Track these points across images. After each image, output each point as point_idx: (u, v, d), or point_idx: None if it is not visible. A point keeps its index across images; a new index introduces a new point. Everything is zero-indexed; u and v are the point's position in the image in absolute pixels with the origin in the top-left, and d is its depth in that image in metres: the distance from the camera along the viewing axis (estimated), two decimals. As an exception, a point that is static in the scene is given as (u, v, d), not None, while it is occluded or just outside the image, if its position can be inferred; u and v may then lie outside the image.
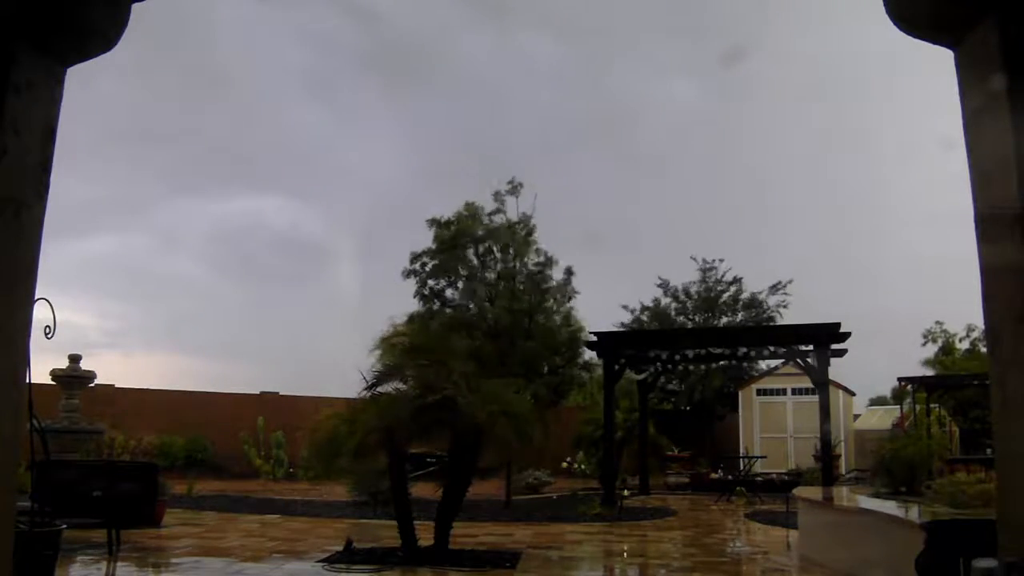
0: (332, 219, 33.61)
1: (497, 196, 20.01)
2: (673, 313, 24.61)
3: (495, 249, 20.09)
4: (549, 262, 20.36)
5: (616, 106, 29.32)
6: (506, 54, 29.60)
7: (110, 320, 32.94)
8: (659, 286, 24.84)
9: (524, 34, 28.89)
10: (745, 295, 24.42)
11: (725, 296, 24.44)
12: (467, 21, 28.46)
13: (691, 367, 22.36)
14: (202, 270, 32.77)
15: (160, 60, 24.64)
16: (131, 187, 29.99)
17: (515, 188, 19.98)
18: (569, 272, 20.70)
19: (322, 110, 31.97)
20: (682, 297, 24.71)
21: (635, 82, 29.91)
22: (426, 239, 20.32)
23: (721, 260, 24.51)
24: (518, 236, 19.82)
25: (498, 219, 20.15)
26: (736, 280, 24.42)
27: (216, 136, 29.36)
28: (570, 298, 20.64)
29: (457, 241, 19.98)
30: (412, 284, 20.52)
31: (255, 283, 33.41)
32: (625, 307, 24.80)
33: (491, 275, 20.13)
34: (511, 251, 19.83)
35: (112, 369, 32.02)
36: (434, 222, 20.31)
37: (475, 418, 7.69)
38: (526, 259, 20.10)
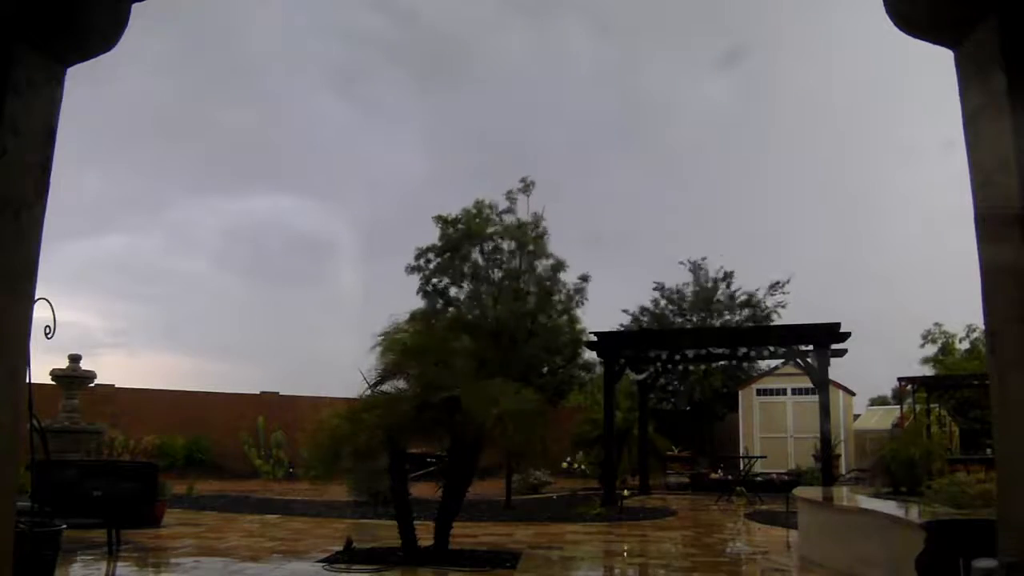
0: (343, 217, 33.36)
1: (510, 195, 19.95)
2: (671, 316, 24.65)
3: (504, 248, 20.03)
4: (561, 266, 20.33)
5: (626, 106, 29.36)
6: (535, 51, 29.40)
7: (117, 320, 32.98)
8: (655, 289, 24.95)
9: (555, 31, 28.71)
10: (742, 295, 24.46)
11: (718, 294, 24.48)
12: (498, 17, 28.25)
13: (691, 367, 22.37)
14: (208, 269, 32.70)
15: (186, 54, 24.71)
16: (145, 185, 30.03)
17: (527, 187, 19.91)
18: (584, 279, 20.65)
19: (346, 106, 31.79)
20: (676, 298, 24.76)
21: (642, 83, 29.87)
22: (433, 237, 20.31)
23: (704, 258, 24.63)
24: (528, 236, 19.78)
25: (508, 218, 20.11)
26: (727, 276, 24.47)
27: (234, 132, 29.32)
28: (580, 304, 20.61)
29: (463, 239, 19.94)
30: (416, 281, 20.52)
31: (259, 282, 33.38)
32: (625, 311, 24.90)
33: (496, 275, 20.09)
34: (522, 251, 19.76)
35: (117, 369, 32.14)
36: (441, 219, 20.26)
37: (478, 418, 7.69)
38: (537, 261, 20.05)
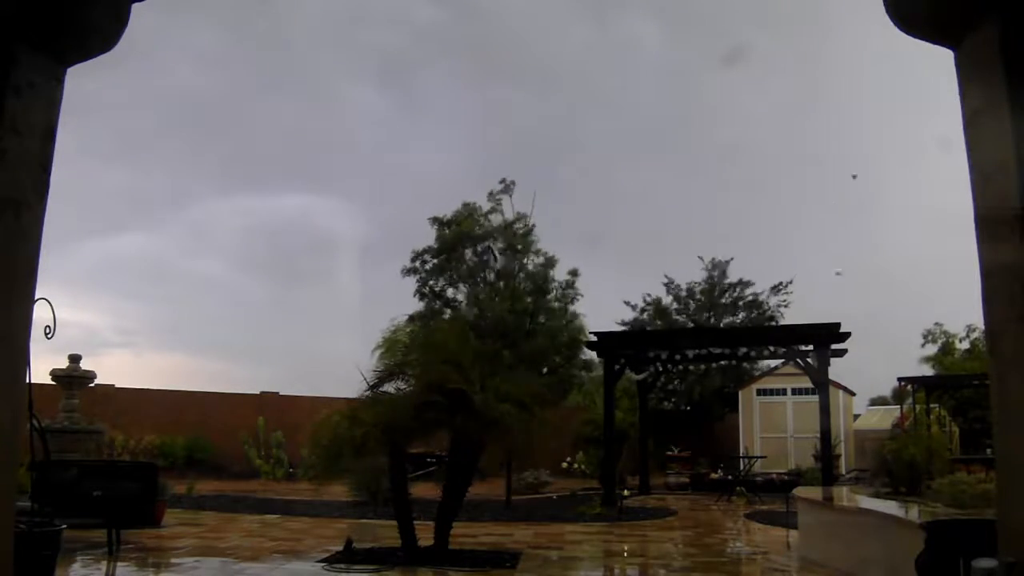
0: (361, 217, 32.89)
1: (491, 196, 19.98)
2: (674, 313, 24.64)
3: (494, 249, 20.06)
4: (551, 262, 20.35)
5: (654, 106, 29.23)
6: (585, 49, 28.90)
7: (125, 319, 32.88)
8: (665, 284, 24.88)
9: (614, 30, 28.41)
10: (749, 295, 24.47)
11: (728, 296, 24.47)
12: (540, 12, 27.89)
13: (691, 367, 22.37)
14: (215, 269, 32.37)
15: (228, 47, 24.68)
16: (167, 183, 29.93)
17: (508, 187, 19.96)
18: (574, 274, 20.66)
19: (383, 101, 31.31)
20: (684, 297, 24.73)
21: (667, 84, 29.65)
22: (431, 238, 20.30)
23: (730, 260, 24.60)
24: (517, 236, 19.80)
25: (495, 219, 20.13)
26: (742, 282, 24.47)
27: (266, 129, 29.13)
28: (574, 299, 20.63)
29: (457, 240, 19.94)
30: (412, 284, 20.50)
31: (263, 282, 33.13)
32: (627, 303, 24.83)
33: (491, 275, 20.11)
34: (511, 251, 19.80)
35: (121, 369, 32.06)
36: (436, 220, 20.24)
37: (489, 413, 7.70)
38: (527, 259, 20.07)
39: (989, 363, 2.45)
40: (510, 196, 19.98)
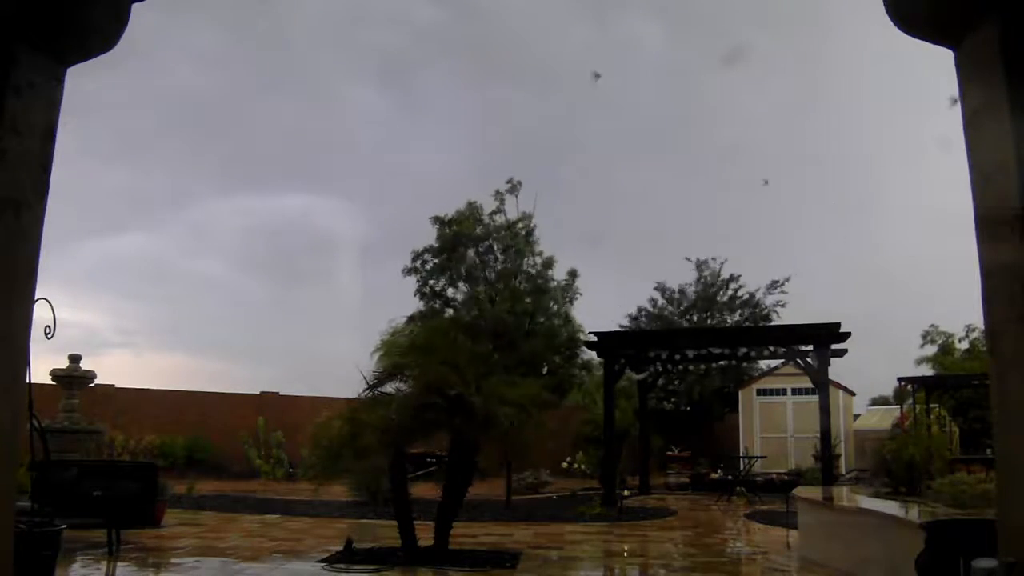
0: (360, 217, 32.82)
1: (497, 195, 19.93)
2: (671, 316, 24.65)
3: (495, 249, 20.03)
4: (550, 263, 20.33)
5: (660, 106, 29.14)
6: (587, 49, 28.93)
7: (126, 319, 32.88)
8: (656, 289, 24.93)
9: (615, 30, 28.32)
10: (743, 294, 24.47)
11: (723, 295, 24.46)
12: (540, 12, 27.83)
13: (691, 367, 22.37)
14: (215, 268, 32.35)
15: (229, 47, 24.68)
16: (169, 183, 29.94)
17: (514, 187, 19.91)
18: (573, 275, 20.64)
19: (383, 101, 31.32)
20: (678, 298, 24.74)
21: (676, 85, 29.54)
22: (432, 238, 20.27)
23: (715, 259, 24.62)
24: (519, 236, 19.78)
25: (499, 219, 20.10)
26: (734, 278, 24.48)
27: (265, 128, 29.08)
28: (572, 299, 20.61)
29: (458, 240, 19.91)
30: (413, 283, 20.47)
31: (264, 282, 33.14)
32: (627, 314, 24.90)
33: (491, 275, 20.08)
34: (511, 251, 19.77)
35: (121, 369, 32.05)
36: (438, 219, 20.21)
37: (488, 415, 7.70)
38: (526, 259, 20.05)
39: (989, 363, 2.45)
40: (516, 196, 19.97)
